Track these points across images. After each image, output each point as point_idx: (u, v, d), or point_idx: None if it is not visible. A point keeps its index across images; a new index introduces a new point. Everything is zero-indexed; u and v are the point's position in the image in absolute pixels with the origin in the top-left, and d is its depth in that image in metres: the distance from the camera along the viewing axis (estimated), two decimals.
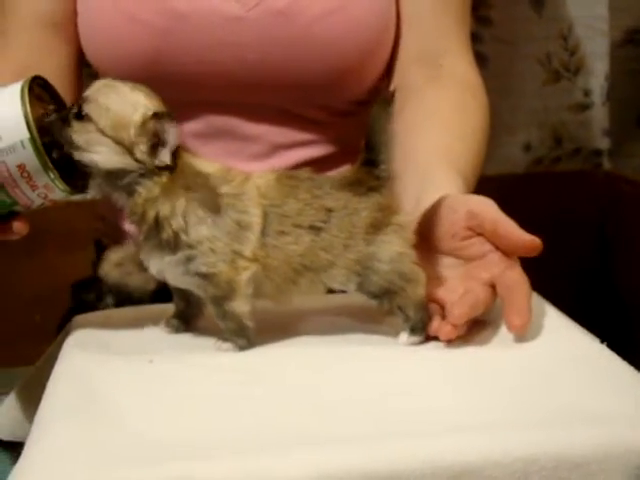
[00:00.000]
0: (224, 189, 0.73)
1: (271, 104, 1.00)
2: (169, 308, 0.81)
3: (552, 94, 1.48)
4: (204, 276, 0.73)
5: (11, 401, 0.93)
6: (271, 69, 0.96)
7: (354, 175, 0.75)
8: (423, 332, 0.74)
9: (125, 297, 0.83)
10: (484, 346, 0.73)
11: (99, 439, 0.60)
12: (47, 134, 0.72)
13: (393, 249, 0.74)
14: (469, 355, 0.72)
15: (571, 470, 0.57)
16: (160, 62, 0.95)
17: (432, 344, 0.74)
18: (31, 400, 0.86)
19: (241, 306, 0.74)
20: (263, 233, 0.73)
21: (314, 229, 0.73)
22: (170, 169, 0.71)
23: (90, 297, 1.04)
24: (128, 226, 1.10)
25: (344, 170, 0.77)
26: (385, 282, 0.74)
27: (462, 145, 0.93)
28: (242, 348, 0.75)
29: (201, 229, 0.72)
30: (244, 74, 0.97)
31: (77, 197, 1.45)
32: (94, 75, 1.06)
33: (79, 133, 0.71)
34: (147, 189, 0.71)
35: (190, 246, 0.72)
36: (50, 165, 0.71)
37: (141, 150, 0.70)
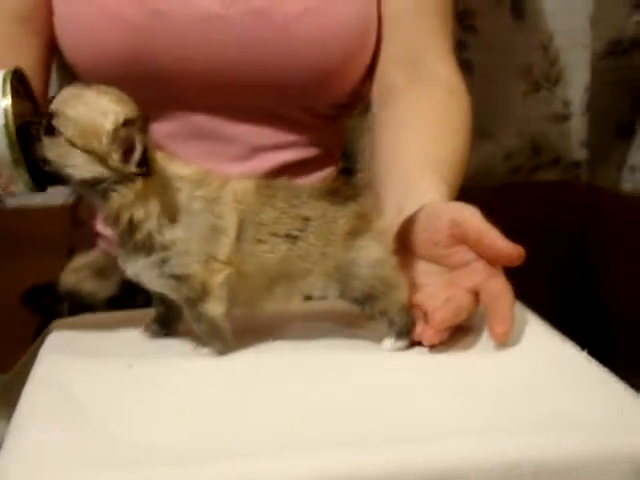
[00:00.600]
0: (199, 192, 0.73)
1: (251, 105, 0.99)
2: (149, 313, 0.80)
3: (532, 104, 1.49)
4: (178, 278, 0.72)
5: None
6: (251, 68, 0.96)
7: (332, 184, 0.75)
8: (408, 337, 0.74)
9: (77, 304, 0.83)
10: (466, 353, 0.73)
11: (77, 442, 0.60)
12: (22, 132, 0.71)
13: (372, 255, 0.74)
14: (451, 362, 0.72)
15: (551, 476, 0.57)
16: (138, 60, 0.95)
17: (415, 350, 0.74)
18: (8, 405, 0.85)
19: (215, 308, 0.73)
20: (239, 239, 0.72)
21: (290, 238, 0.73)
22: (144, 175, 0.71)
23: (46, 303, 1.03)
24: (105, 230, 1.09)
25: (322, 180, 0.76)
26: (366, 287, 0.73)
27: (445, 148, 0.92)
28: (220, 352, 0.74)
29: (175, 231, 0.72)
30: (224, 73, 0.96)
31: (56, 202, 1.45)
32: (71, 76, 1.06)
33: (50, 149, 0.71)
34: (122, 195, 0.71)
35: (164, 248, 0.72)
36: (22, 160, 0.70)
37: (114, 158, 0.70)
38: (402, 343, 0.74)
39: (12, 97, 0.71)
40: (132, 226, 0.72)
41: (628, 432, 0.60)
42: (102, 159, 0.70)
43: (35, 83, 0.95)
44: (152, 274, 0.73)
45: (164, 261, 0.72)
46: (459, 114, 0.98)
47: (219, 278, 0.72)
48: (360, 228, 0.74)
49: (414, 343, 0.74)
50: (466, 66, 1.43)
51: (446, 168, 0.89)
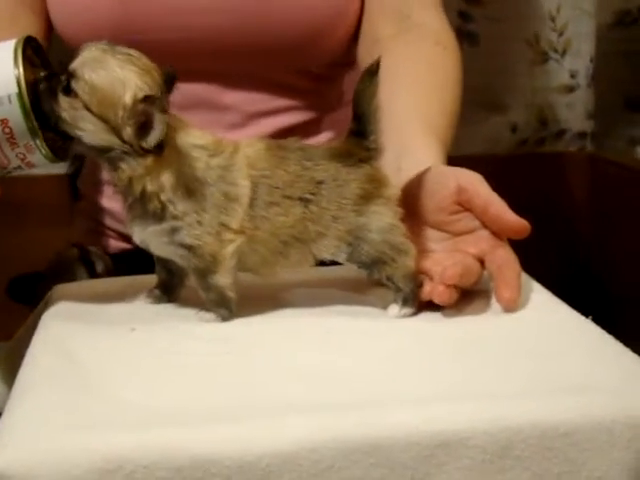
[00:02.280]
0: (215, 161, 0.72)
1: (244, 71, 0.99)
2: (151, 279, 0.79)
3: (539, 75, 1.47)
4: (188, 248, 0.72)
5: None
6: (239, 33, 0.95)
7: (343, 146, 0.74)
8: (414, 304, 0.74)
9: None
10: (472, 319, 0.73)
11: (79, 405, 0.59)
12: (36, 99, 0.70)
13: (384, 220, 0.73)
14: (457, 328, 0.71)
15: (556, 439, 0.57)
16: (127, 29, 0.94)
17: (420, 317, 0.74)
18: (11, 371, 0.85)
19: (224, 278, 0.73)
20: (252, 204, 0.72)
21: (303, 201, 0.72)
22: (157, 153, 0.69)
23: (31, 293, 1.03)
24: (108, 203, 1.09)
25: (333, 140, 0.75)
26: (376, 252, 0.73)
27: (435, 105, 0.91)
28: (224, 319, 0.74)
29: (189, 202, 0.71)
30: (213, 40, 0.95)
31: (57, 170, 1.45)
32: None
33: (65, 108, 0.70)
34: (131, 167, 0.70)
35: (176, 217, 0.71)
36: (36, 127, 0.70)
37: (128, 132, 0.69)
38: (408, 310, 0.74)
39: (25, 65, 0.70)
40: (144, 197, 0.71)
41: (634, 395, 0.59)
42: (115, 130, 0.69)
43: None
44: (161, 241, 0.73)
45: (175, 230, 0.72)
46: (446, 66, 0.96)
47: (230, 248, 0.72)
48: (371, 193, 0.73)
49: (419, 310, 0.74)
50: (472, 38, 1.42)
51: (439, 127, 0.89)
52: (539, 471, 0.57)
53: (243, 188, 0.72)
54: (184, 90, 0.99)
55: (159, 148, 0.69)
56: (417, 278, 0.74)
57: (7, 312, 1.10)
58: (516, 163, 1.49)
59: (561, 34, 1.45)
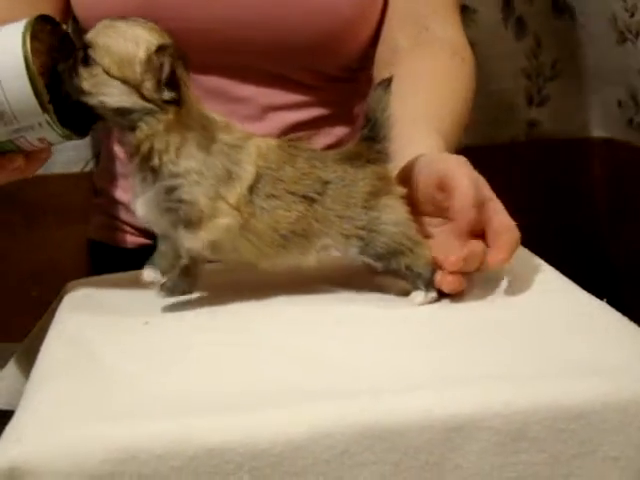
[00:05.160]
0: (223, 136, 0.73)
1: (259, 66, 0.99)
2: None
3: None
4: (182, 201, 0.72)
5: (7, 370, 0.92)
6: (258, 28, 0.95)
7: (353, 149, 0.75)
8: (435, 290, 0.73)
9: None
10: (484, 304, 0.72)
11: (93, 396, 0.60)
12: (56, 82, 0.72)
13: (398, 213, 0.74)
14: (469, 312, 0.71)
15: (570, 421, 0.57)
16: (146, 18, 0.94)
17: (433, 303, 0.73)
18: (26, 368, 0.85)
19: (197, 241, 0.72)
20: (251, 191, 0.72)
21: (308, 199, 0.73)
22: (177, 102, 0.71)
23: None
24: (124, 196, 1.09)
25: (348, 135, 0.74)
26: (393, 243, 0.73)
27: (444, 107, 0.92)
28: (168, 289, 0.75)
29: (190, 162, 0.71)
30: (232, 32, 0.95)
31: (74, 170, 1.45)
32: None
33: (87, 79, 0.71)
34: (150, 125, 0.71)
35: (176, 175, 0.71)
36: (49, 106, 0.71)
37: (147, 88, 0.70)
38: (432, 294, 0.73)
39: (34, 43, 0.71)
40: (150, 155, 0.71)
41: None
42: (136, 88, 0.70)
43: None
44: (158, 206, 0.72)
45: (173, 188, 0.72)
46: (460, 74, 0.98)
47: (223, 220, 0.72)
48: (381, 189, 0.74)
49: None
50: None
51: (443, 124, 0.89)
52: (554, 453, 0.57)
53: (246, 172, 0.72)
54: (200, 81, 1.00)
55: (176, 97, 0.70)
56: (435, 265, 0.74)
57: (26, 312, 1.11)
58: (531, 150, 1.47)
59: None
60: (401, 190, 0.75)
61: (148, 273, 0.74)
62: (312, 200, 0.73)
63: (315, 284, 0.78)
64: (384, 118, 0.74)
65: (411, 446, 0.56)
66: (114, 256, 1.10)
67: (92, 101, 0.72)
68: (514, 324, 0.68)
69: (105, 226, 1.13)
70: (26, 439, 0.55)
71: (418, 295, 0.74)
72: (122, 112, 0.71)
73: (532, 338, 0.65)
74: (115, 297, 0.79)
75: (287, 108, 1.02)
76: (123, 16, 0.73)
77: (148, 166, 0.72)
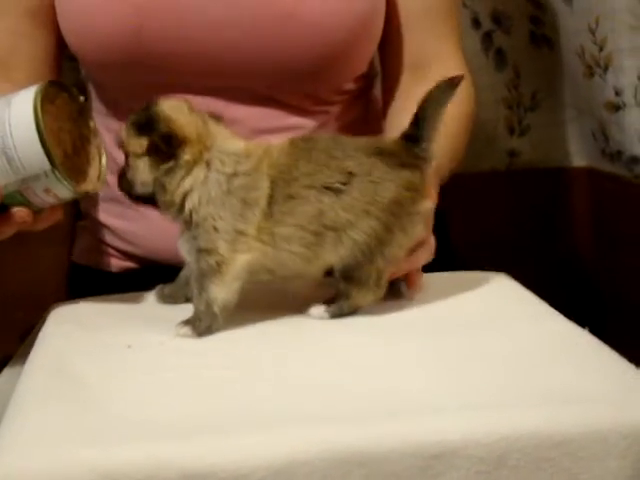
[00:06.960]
0: (242, 168, 0.74)
1: (252, 89, 0.99)
2: (146, 296, 0.81)
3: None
4: (201, 251, 0.73)
5: None
6: (253, 51, 0.95)
7: (389, 145, 0.74)
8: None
9: None
10: (466, 331, 0.73)
11: (75, 420, 0.59)
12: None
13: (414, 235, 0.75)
14: (453, 338, 0.71)
15: (551, 449, 0.57)
16: (140, 42, 0.94)
17: (415, 329, 0.74)
18: (9, 389, 0.85)
19: (219, 291, 0.73)
20: (270, 203, 0.73)
21: (331, 189, 0.72)
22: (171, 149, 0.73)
23: None
24: (109, 221, 1.09)
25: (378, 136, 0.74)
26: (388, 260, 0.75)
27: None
28: (200, 334, 0.74)
29: (209, 208, 0.73)
30: (226, 55, 0.96)
31: None
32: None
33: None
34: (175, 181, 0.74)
35: (197, 225, 0.73)
36: (57, 165, 0.74)
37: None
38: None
39: (47, 104, 0.74)
40: (183, 202, 0.74)
41: (629, 405, 0.59)
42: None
43: (45, 71, 0.98)
44: (189, 248, 0.75)
45: (195, 238, 0.74)
46: (457, 104, 0.99)
47: (242, 259, 0.73)
48: (406, 202, 0.73)
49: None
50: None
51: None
52: None
53: (260, 191, 0.73)
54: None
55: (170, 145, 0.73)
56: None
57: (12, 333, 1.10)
58: (513, 179, 1.48)
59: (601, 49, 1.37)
60: (427, 206, 0.75)
61: (185, 331, 0.75)
62: (337, 191, 0.72)
63: (300, 307, 0.78)
64: (435, 116, 0.73)
65: (391, 473, 0.56)
66: (97, 280, 1.10)
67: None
68: (496, 352, 0.68)
69: (90, 249, 1.13)
70: (6, 461, 0.55)
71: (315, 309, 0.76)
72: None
73: (513, 366, 0.66)
74: (98, 320, 0.79)
75: (278, 131, 1.02)
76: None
77: (181, 217, 0.75)
